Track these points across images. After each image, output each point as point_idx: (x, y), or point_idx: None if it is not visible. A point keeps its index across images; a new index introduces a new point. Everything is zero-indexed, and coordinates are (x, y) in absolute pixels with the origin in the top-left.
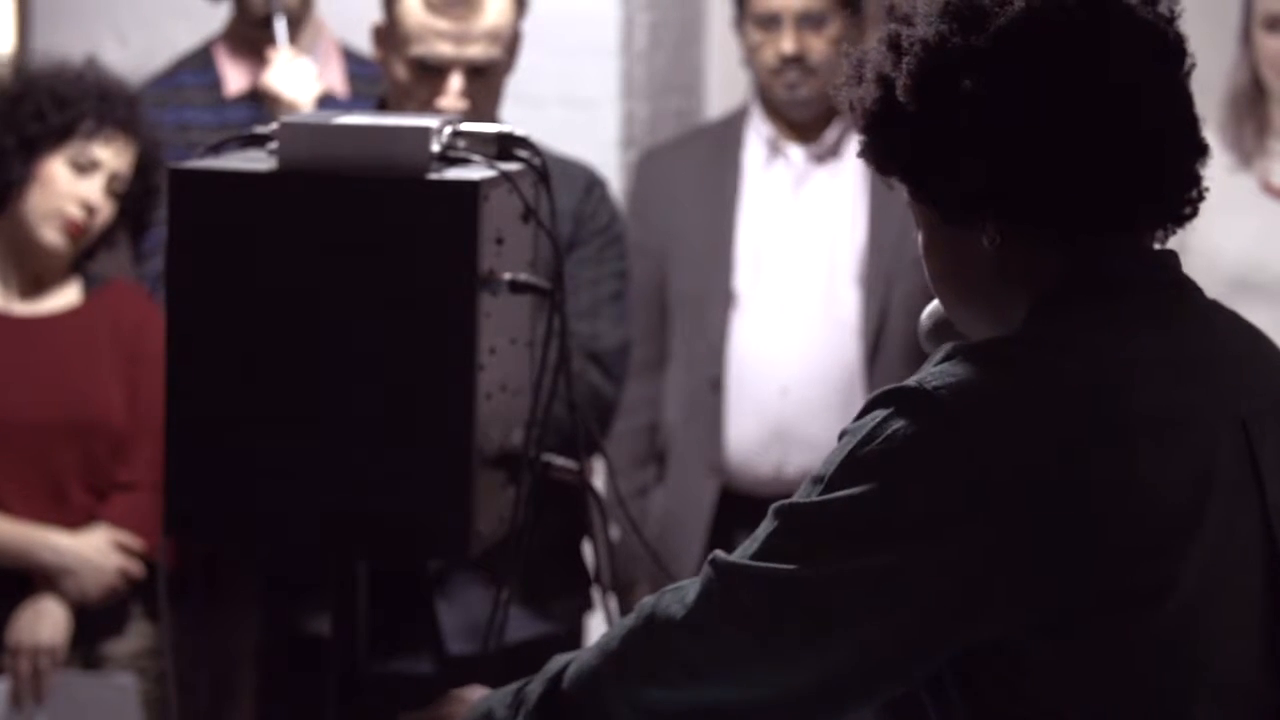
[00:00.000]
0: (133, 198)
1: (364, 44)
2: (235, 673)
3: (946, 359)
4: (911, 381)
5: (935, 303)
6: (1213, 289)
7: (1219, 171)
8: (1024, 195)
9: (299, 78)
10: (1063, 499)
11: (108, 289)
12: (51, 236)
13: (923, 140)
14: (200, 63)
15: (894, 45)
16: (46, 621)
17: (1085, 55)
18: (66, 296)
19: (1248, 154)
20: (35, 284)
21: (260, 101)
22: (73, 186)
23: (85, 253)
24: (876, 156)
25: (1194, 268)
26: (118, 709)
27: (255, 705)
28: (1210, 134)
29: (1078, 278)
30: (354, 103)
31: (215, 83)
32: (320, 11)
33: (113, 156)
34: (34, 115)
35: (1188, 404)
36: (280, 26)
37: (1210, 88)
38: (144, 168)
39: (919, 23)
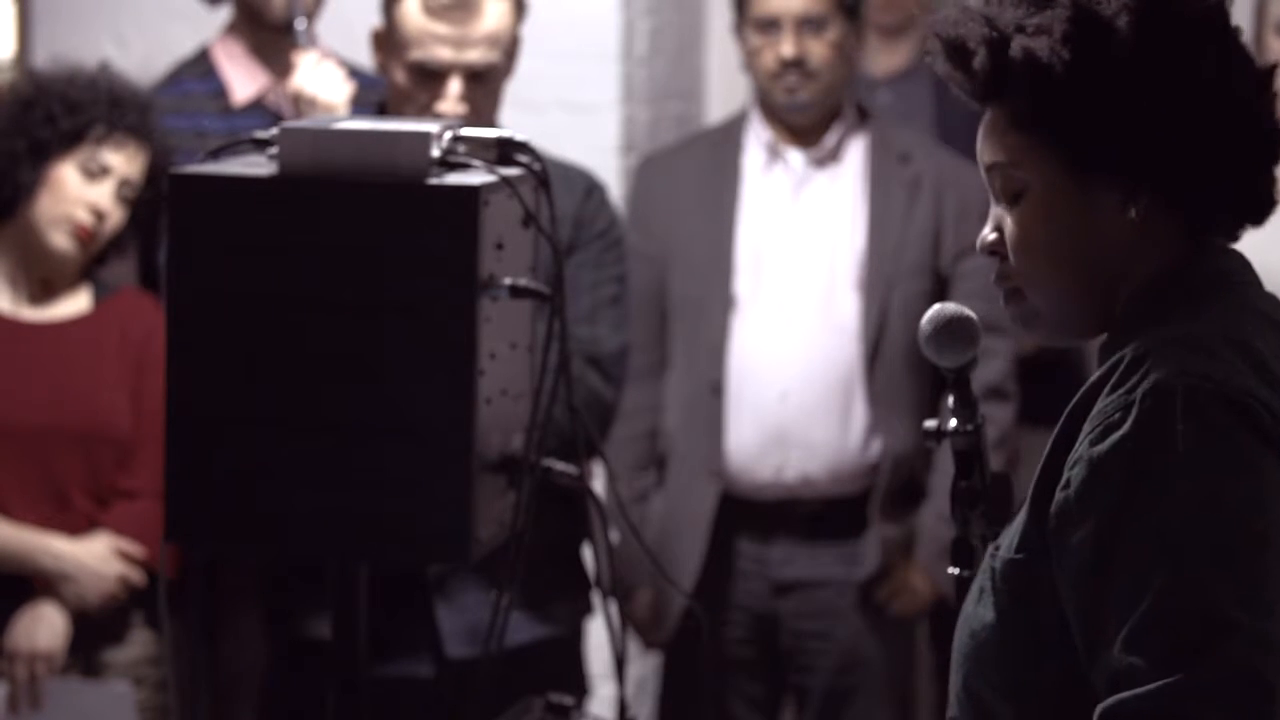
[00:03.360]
0: (144, 204)
1: (362, 53)
2: (236, 679)
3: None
4: (1179, 384)
5: (936, 307)
6: None
7: None
8: (1196, 167)
9: (331, 79)
10: None
11: (117, 297)
12: (61, 241)
13: (1118, 103)
14: (201, 69)
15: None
16: (44, 627)
17: (1234, 44)
18: (76, 303)
19: None
20: (45, 289)
21: (266, 110)
22: (83, 192)
23: (96, 258)
24: (1042, 113)
25: None
26: (115, 716)
27: (257, 710)
28: None
29: (1199, 268)
30: (350, 112)
31: (220, 90)
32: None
33: (124, 162)
34: (45, 120)
35: None
36: (303, 29)
37: None
38: (156, 174)
39: None
